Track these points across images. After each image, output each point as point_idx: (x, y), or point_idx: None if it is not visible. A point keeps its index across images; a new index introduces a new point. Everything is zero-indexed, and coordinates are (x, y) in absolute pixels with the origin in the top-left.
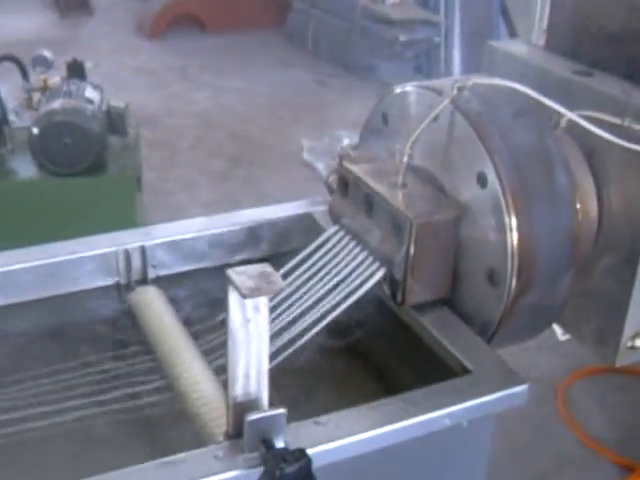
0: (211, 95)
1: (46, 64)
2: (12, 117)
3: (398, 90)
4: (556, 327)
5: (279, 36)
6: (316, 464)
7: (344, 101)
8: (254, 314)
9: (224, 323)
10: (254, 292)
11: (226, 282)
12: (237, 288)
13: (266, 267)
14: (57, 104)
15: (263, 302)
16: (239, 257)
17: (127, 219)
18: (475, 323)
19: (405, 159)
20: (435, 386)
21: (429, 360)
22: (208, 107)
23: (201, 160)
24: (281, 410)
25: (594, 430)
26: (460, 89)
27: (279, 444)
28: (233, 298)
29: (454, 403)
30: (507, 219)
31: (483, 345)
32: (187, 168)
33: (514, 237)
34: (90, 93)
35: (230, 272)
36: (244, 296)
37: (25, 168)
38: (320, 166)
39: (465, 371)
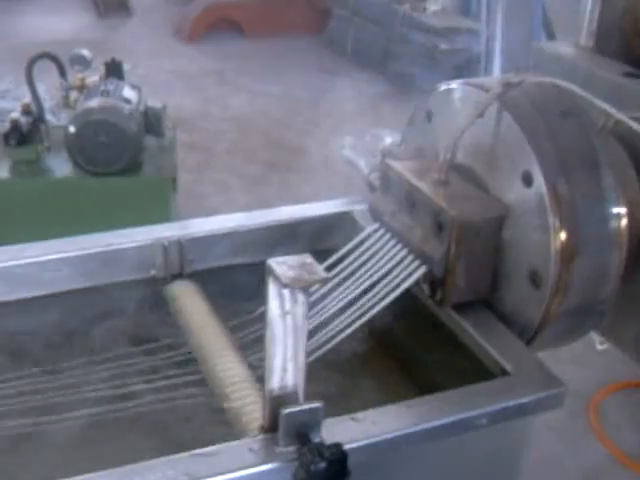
0: (248, 99)
1: (84, 63)
2: (49, 116)
3: (443, 87)
4: (595, 336)
5: (318, 43)
6: (351, 460)
7: (382, 109)
8: (294, 305)
9: (260, 318)
10: (295, 282)
11: (266, 272)
12: (277, 278)
13: (307, 258)
14: (94, 103)
15: (303, 293)
16: (276, 254)
17: (162, 220)
18: (515, 325)
19: (448, 156)
20: (473, 386)
21: (467, 361)
22: (245, 111)
23: (237, 164)
24: (318, 404)
25: (625, 444)
26: (508, 86)
27: (315, 439)
28: (273, 288)
29: (491, 404)
30: (551, 219)
31: (522, 347)
32: (222, 172)
33: (558, 238)
34: (128, 93)
35: (271, 262)
36: (284, 286)
37: (61, 166)
38: (362, 163)
39: (503, 373)
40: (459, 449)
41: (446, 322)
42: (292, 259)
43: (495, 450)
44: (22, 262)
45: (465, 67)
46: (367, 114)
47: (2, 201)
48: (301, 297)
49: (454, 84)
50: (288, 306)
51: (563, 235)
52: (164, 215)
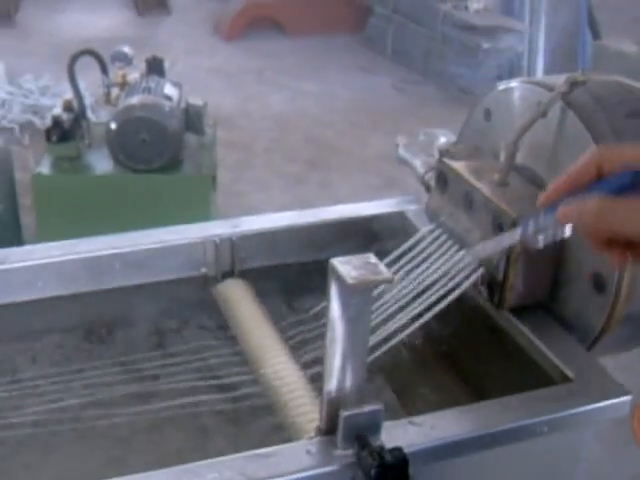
0: (288, 98)
1: (125, 60)
2: (89, 113)
3: (503, 86)
4: None
5: (359, 41)
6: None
7: (423, 108)
8: (358, 305)
9: (313, 318)
10: (359, 282)
11: (329, 272)
12: (341, 277)
13: (371, 257)
14: (135, 100)
15: (368, 293)
16: (326, 254)
17: (201, 218)
18: (575, 330)
19: (509, 157)
20: (534, 392)
21: (527, 367)
22: (284, 110)
23: (276, 163)
24: (378, 406)
25: None
26: (573, 85)
27: (375, 442)
28: (335, 288)
29: (553, 411)
30: None
31: (584, 353)
32: (262, 170)
33: None
34: (169, 90)
35: (334, 261)
36: (349, 286)
37: (102, 163)
38: (417, 162)
39: (565, 379)
40: (517, 456)
41: (504, 326)
42: (355, 258)
43: (553, 457)
44: (76, 257)
45: (508, 66)
46: (407, 113)
47: (43, 197)
48: (364, 297)
49: (514, 82)
50: (353, 306)
51: None
52: (204, 213)
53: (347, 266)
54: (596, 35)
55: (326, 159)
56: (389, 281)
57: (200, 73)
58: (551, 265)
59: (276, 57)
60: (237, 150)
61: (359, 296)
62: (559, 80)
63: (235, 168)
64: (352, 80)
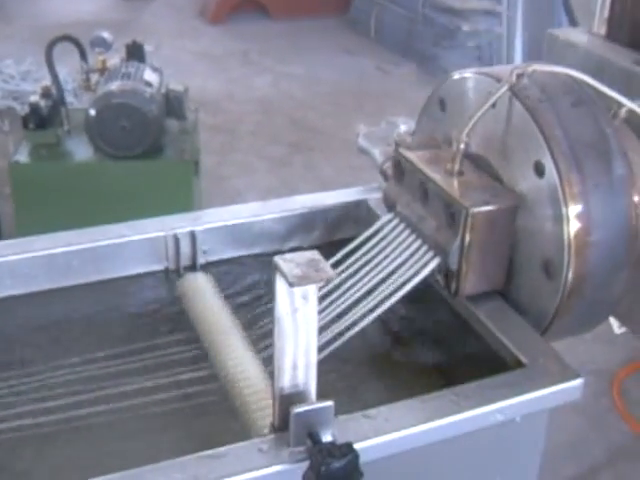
0: (272, 81)
1: (105, 45)
2: (71, 98)
3: (456, 76)
4: (612, 320)
5: (342, 23)
6: (364, 459)
7: (406, 89)
8: (302, 303)
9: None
10: (302, 280)
11: (273, 270)
12: (284, 276)
13: (315, 255)
14: (115, 86)
15: (312, 291)
16: (292, 244)
17: (184, 204)
18: (530, 315)
19: (462, 146)
20: (488, 380)
21: (482, 352)
22: (269, 93)
23: (260, 146)
24: (329, 403)
25: None
26: (519, 76)
27: (326, 438)
28: (280, 286)
29: (507, 397)
30: (564, 209)
31: (538, 338)
32: (246, 153)
33: (571, 228)
34: (149, 75)
35: (278, 259)
36: (291, 284)
37: (81, 150)
38: (376, 152)
39: (519, 364)
40: (474, 444)
41: (461, 313)
42: (299, 256)
43: (511, 443)
44: (30, 255)
45: (487, 48)
46: (390, 95)
47: (21, 185)
48: (310, 294)
49: (467, 73)
50: (297, 303)
51: (575, 225)
52: (186, 198)
53: (290, 264)
54: (572, 21)
55: (310, 141)
56: (331, 279)
57: (185, 56)
58: (504, 253)
59: (260, 40)
60: (221, 133)
61: (304, 293)
62: (508, 71)
63: (219, 152)
64: (336, 62)
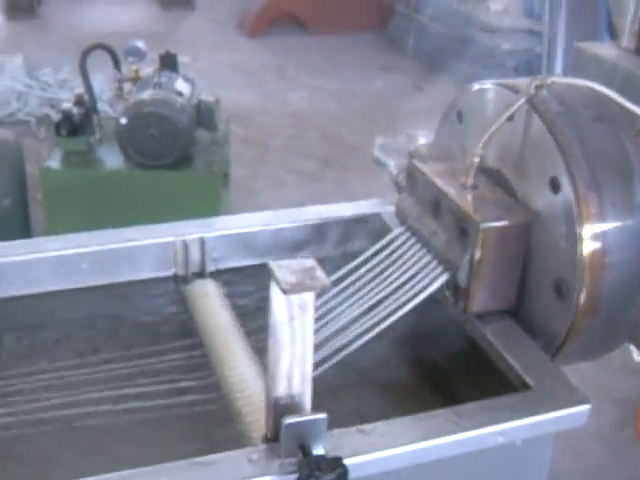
0: (307, 95)
1: (139, 54)
2: (106, 107)
3: (475, 87)
4: (633, 347)
5: (380, 40)
6: (355, 475)
7: (441, 108)
8: (299, 312)
9: None
10: (295, 288)
11: (268, 275)
12: (278, 283)
13: (311, 262)
14: (146, 95)
15: (309, 299)
16: (303, 254)
17: (211, 215)
18: (540, 337)
19: (476, 160)
20: (490, 400)
21: (488, 372)
22: (303, 107)
23: (292, 160)
24: (321, 415)
25: None
26: (538, 87)
27: (317, 450)
28: (276, 293)
29: (509, 420)
30: (579, 228)
31: (546, 360)
32: (278, 167)
33: (585, 248)
34: (181, 85)
35: (272, 265)
36: (284, 292)
37: (112, 158)
38: (391, 163)
39: (525, 386)
40: (473, 466)
41: (469, 331)
42: (295, 263)
43: (512, 468)
44: (41, 255)
45: (527, 68)
46: (425, 113)
47: (52, 191)
48: (307, 303)
49: (486, 84)
50: (294, 311)
51: (590, 245)
52: (214, 210)
53: (285, 271)
54: (615, 38)
55: (342, 157)
56: (326, 287)
57: (221, 69)
58: (515, 271)
59: (297, 54)
60: (254, 146)
61: (301, 301)
62: (527, 83)
63: (251, 165)
64: (372, 78)
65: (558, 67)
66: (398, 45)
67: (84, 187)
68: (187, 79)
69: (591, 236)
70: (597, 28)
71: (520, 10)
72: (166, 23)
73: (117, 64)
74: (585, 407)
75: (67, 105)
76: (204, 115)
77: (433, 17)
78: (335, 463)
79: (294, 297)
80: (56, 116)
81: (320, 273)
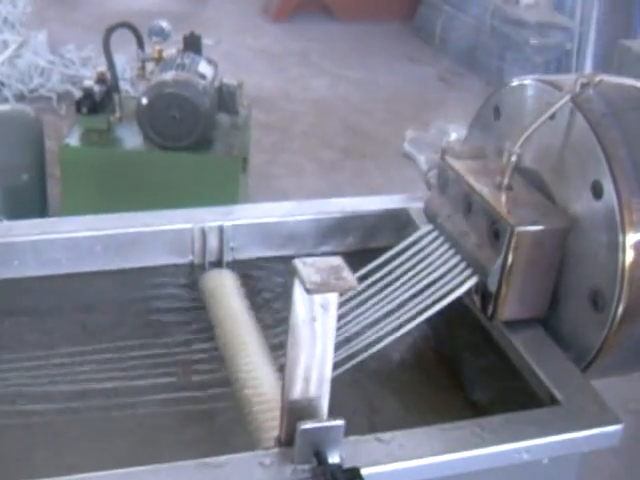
0: (330, 83)
1: (162, 35)
2: (128, 87)
3: (515, 82)
4: None
5: (406, 29)
6: None
7: (467, 102)
8: (321, 312)
9: None
10: (320, 288)
11: (292, 273)
12: (302, 281)
13: (338, 260)
14: (169, 76)
15: (332, 300)
16: (324, 248)
17: (229, 199)
18: (571, 349)
19: (513, 159)
20: (517, 414)
21: (515, 384)
22: (325, 95)
23: (312, 147)
24: (339, 422)
25: None
26: (584, 86)
27: (333, 459)
28: (298, 292)
29: (535, 436)
30: (621, 237)
31: (577, 374)
32: (297, 154)
33: (626, 257)
34: (204, 68)
35: (297, 262)
36: (308, 291)
37: (131, 138)
38: (421, 159)
39: (553, 401)
40: None
41: (496, 339)
42: (321, 261)
43: None
44: (55, 237)
45: (555, 64)
46: (450, 106)
47: (69, 168)
48: (330, 303)
49: (526, 80)
50: (315, 312)
51: (631, 255)
52: (232, 194)
53: (310, 269)
54: None
55: (363, 147)
56: (352, 289)
57: (245, 52)
58: (549, 279)
59: (322, 41)
60: (274, 132)
61: (324, 302)
62: (571, 80)
63: (270, 150)
64: (397, 68)
65: (588, 64)
66: (424, 35)
67: (102, 165)
68: (210, 61)
69: (633, 245)
70: (630, 24)
71: (550, 4)
72: (191, 4)
73: (141, 43)
74: (617, 427)
75: (89, 83)
76: (226, 99)
77: (461, 8)
78: (352, 474)
79: (317, 297)
80: (77, 93)
81: (347, 273)
